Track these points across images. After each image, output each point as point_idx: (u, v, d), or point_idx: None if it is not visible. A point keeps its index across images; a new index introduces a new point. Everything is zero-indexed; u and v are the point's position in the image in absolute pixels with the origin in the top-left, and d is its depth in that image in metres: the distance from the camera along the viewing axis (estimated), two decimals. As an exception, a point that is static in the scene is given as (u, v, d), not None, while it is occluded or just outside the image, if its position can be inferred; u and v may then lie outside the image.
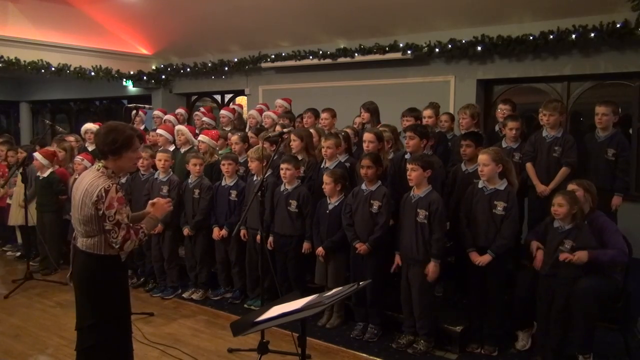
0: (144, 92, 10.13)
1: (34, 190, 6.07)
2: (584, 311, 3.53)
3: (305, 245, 4.56)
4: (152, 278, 5.47)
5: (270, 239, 4.69)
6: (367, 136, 4.53)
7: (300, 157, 4.88)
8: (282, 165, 4.55)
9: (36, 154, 5.97)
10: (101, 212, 2.70)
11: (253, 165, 4.78)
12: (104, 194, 2.69)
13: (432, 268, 3.87)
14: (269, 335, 3.82)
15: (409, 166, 3.98)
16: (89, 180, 2.77)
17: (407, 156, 4.31)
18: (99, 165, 2.82)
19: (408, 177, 3.98)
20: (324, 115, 5.77)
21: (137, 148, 2.92)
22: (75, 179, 5.80)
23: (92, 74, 8.77)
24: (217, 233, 5.04)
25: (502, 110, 5.20)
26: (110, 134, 2.79)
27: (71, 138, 6.75)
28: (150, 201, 3.17)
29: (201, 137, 5.61)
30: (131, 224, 2.84)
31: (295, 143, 4.88)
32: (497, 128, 5.39)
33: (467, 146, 4.39)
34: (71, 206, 2.90)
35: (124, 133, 2.81)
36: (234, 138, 5.47)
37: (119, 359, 2.94)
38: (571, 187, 3.81)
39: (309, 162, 4.88)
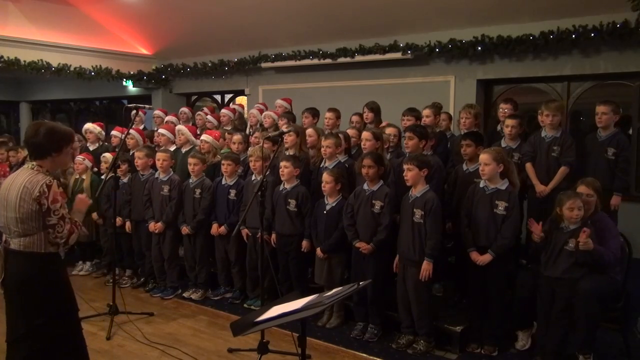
0: (144, 92, 10.12)
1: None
2: (587, 312, 3.53)
3: (304, 244, 4.56)
4: (152, 278, 5.47)
5: (273, 236, 4.70)
6: (364, 135, 4.56)
7: (292, 152, 4.89)
8: (281, 164, 4.56)
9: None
10: (45, 206, 2.70)
11: (257, 165, 4.79)
12: (46, 189, 2.70)
13: (424, 267, 3.87)
14: (269, 335, 3.82)
15: (405, 166, 3.98)
16: (25, 178, 2.74)
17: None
18: (31, 165, 2.80)
19: (404, 177, 3.98)
20: (328, 114, 5.79)
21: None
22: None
23: (92, 74, 8.76)
24: (216, 229, 5.05)
25: (503, 109, 5.19)
26: (55, 134, 2.83)
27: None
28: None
29: (204, 137, 5.62)
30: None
31: (290, 138, 4.90)
32: (499, 128, 5.39)
33: (467, 146, 4.39)
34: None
35: (63, 131, 2.89)
36: (237, 138, 5.47)
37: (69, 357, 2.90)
38: (582, 189, 3.77)
39: (301, 158, 4.90)
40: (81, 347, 2.98)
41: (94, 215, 5.67)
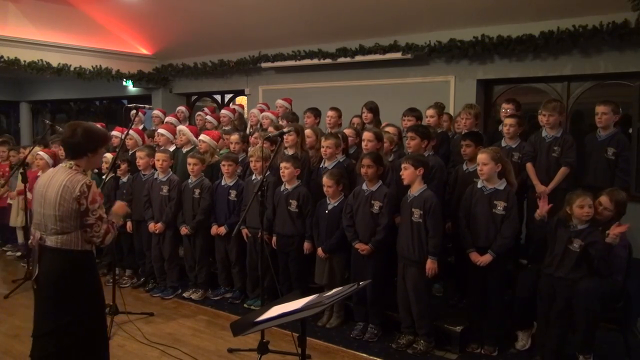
0: (144, 92, 10.12)
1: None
2: (587, 312, 3.54)
3: (306, 245, 4.57)
4: (152, 278, 5.47)
5: (274, 238, 4.70)
6: (366, 135, 4.55)
7: (292, 152, 4.90)
8: (282, 165, 4.56)
9: (41, 153, 5.98)
10: (84, 206, 2.76)
11: (258, 165, 4.80)
12: (86, 189, 2.76)
13: (429, 265, 3.88)
14: (269, 335, 3.82)
15: (401, 165, 3.99)
16: (65, 177, 2.79)
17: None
18: (70, 164, 2.85)
19: (401, 176, 4.00)
20: (330, 113, 5.81)
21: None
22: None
23: (92, 74, 8.76)
24: (215, 230, 5.05)
25: (505, 109, 5.19)
26: (93, 134, 2.90)
27: None
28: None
29: (202, 137, 5.61)
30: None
31: (290, 137, 4.90)
32: (500, 128, 5.39)
33: (467, 146, 4.40)
34: (35, 205, 2.88)
35: (99, 132, 2.98)
36: (234, 138, 5.47)
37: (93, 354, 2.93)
38: (603, 200, 3.75)
39: (302, 158, 4.91)
40: (105, 345, 3.02)
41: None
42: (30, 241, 2.95)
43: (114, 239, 2.98)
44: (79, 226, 2.80)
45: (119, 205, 3.20)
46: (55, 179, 2.81)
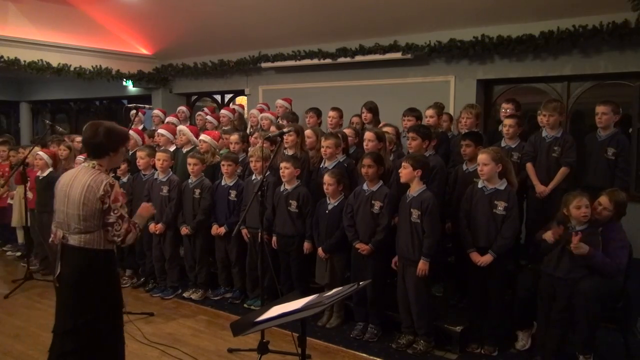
0: (144, 92, 10.12)
1: None
2: (587, 312, 3.54)
3: (306, 245, 4.57)
4: (152, 278, 5.47)
5: (274, 238, 4.70)
6: (367, 135, 4.55)
7: (292, 152, 4.90)
8: (282, 165, 4.56)
9: (40, 153, 5.99)
10: (107, 205, 2.78)
11: (258, 166, 4.80)
12: (109, 188, 2.79)
13: (420, 266, 3.87)
14: (269, 335, 3.82)
15: (402, 164, 4.00)
16: (89, 177, 2.81)
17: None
18: (92, 164, 2.87)
19: (399, 173, 4.00)
20: (331, 113, 5.81)
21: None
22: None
23: (92, 73, 8.75)
24: (215, 230, 5.05)
25: (505, 109, 5.19)
26: (114, 134, 2.91)
27: (78, 138, 6.76)
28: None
29: (203, 137, 5.61)
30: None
31: (290, 137, 4.90)
32: (500, 128, 5.39)
33: (467, 146, 4.40)
34: (57, 204, 2.89)
35: (120, 131, 2.99)
36: (233, 138, 5.47)
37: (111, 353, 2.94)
38: (603, 200, 3.75)
39: (302, 158, 4.91)
40: (122, 344, 3.03)
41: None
42: (51, 239, 2.98)
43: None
44: (102, 225, 2.82)
45: (145, 207, 3.24)
46: (79, 179, 2.83)
